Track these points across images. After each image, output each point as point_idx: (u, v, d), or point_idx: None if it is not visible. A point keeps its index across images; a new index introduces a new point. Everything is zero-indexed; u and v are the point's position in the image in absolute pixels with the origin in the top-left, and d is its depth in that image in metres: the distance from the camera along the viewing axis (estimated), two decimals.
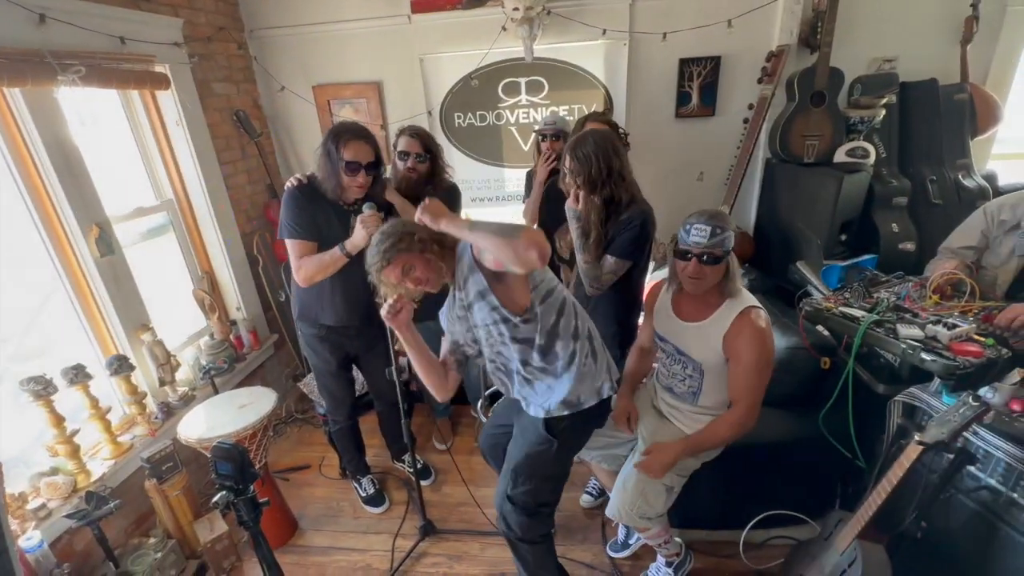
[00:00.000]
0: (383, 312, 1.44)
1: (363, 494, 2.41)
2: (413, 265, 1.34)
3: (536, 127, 2.54)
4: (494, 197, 3.30)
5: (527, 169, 2.69)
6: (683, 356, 1.60)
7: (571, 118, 2.79)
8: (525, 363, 1.44)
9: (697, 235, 1.46)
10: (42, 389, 1.73)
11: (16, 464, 1.82)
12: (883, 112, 2.55)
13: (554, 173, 2.32)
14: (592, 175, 1.70)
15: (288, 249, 1.89)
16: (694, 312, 1.57)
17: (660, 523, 1.72)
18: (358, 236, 1.80)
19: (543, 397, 1.48)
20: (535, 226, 2.40)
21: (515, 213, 2.88)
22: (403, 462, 2.58)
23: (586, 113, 2.41)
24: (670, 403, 1.70)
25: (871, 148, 2.45)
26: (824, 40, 2.49)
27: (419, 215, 1.35)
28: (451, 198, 2.19)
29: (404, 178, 2.09)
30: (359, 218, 1.78)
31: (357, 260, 1.88)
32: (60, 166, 1.91)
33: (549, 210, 2.29)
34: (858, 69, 2.75)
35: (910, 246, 2.47)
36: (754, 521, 1.92)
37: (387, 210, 2.07)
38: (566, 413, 1.46)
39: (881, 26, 2.73)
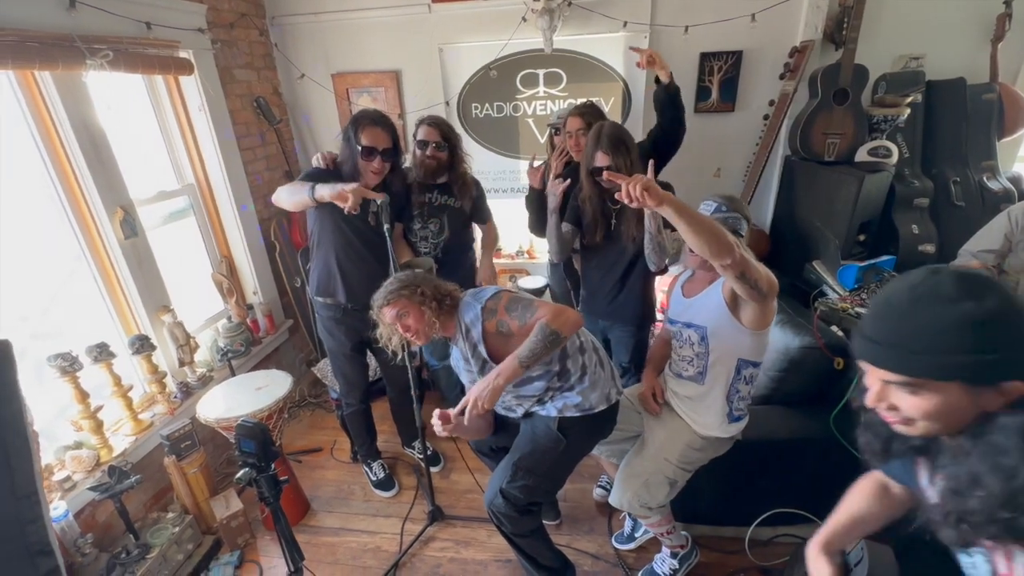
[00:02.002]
0: (437, 430, 1.50)
1: (373, 478, 2.46)
2: (408, 312, 1.44)
3: (550, 121, 2.52)
4: (509, 189, 3.30)
5: (542, 162, 2.67)
6: (690, 328, 1.62)
7: None
8: (547, 389, 1.52)
9: (703, 208, 1.54)
10: (68, 365, 1.79)
11: (40, 437, 1.87)
12: (908, 111, 2.51)
13: (566, 166, 2.32)
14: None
15: None
16: (699, 287, 1.63)
17: (661, 512, 1.74)
18: (330, 188, 1.70)
19: (559, 402, 1.54)
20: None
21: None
22: (413, 448, 2.62)
23: (578, 104, 2.37)
24: (679, 393, 1.71)
25: (894, 148, 2.40)
26: (850, 36, 2.44)
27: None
28: (478, 194, 2.24)
29: (423, 165, 2.12)
30: (351, 186, 1.68)
31: (370, 240, 1.95)
32: (88, 149, 1.96)
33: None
34: (883, 66, 2.70)
35: (930, 248, 2.43)
36: (761, 518, 1.93)
37: (404, 200, 2.10)
38: (578, 415, 1.53)
39: (909, 23, 2.67)
